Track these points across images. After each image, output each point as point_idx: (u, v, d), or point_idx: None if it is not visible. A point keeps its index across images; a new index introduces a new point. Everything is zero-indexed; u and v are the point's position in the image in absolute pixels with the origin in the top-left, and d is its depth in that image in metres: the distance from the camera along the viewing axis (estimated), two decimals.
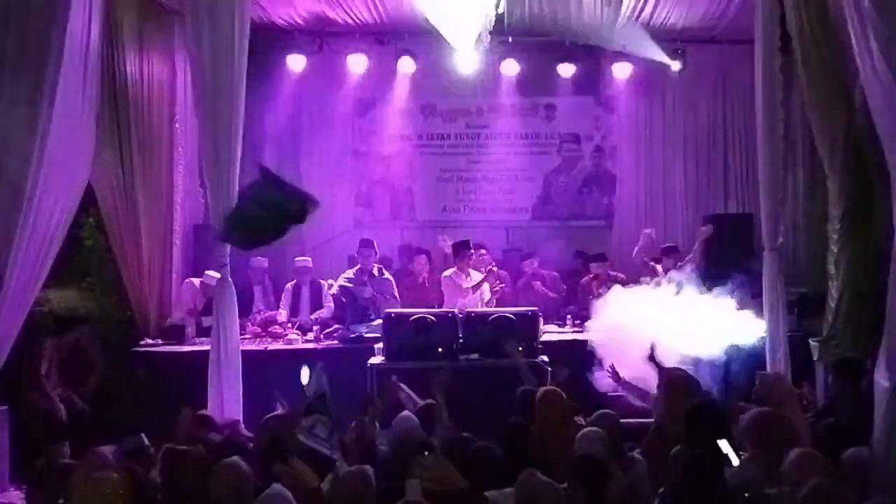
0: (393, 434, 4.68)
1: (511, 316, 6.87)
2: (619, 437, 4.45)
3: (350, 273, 8.11)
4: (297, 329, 7.93)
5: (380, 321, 7.15)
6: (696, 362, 5.97)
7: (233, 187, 6.11)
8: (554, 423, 4.67)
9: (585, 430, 4.39)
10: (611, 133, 10.30)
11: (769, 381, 5.49)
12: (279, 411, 5.11)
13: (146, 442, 4.71)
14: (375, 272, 8.03)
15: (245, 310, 7.67)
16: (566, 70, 9.72)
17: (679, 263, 7.84)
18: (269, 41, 9.15)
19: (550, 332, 7.72)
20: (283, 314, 8.18)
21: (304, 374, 5.41)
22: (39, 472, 4.80)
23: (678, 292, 6.58)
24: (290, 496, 3.71)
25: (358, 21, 9.20)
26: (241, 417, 5.98)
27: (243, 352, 6.45)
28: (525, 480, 3.74)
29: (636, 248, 8.48)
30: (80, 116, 5.51)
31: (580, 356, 6.70)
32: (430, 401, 5.18)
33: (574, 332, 7.85)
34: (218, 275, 6.37)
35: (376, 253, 8.21)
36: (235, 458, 3.99)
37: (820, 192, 7.33)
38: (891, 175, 4.87)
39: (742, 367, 6.29)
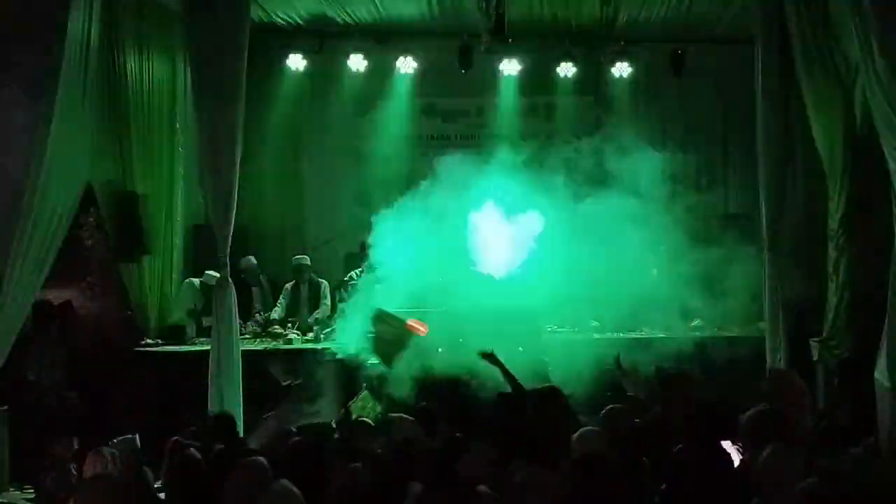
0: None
1: None
2: (624, 437, 4.41)
3: (354, 278, 8.12)
4: (296, 329, 7.93)
5: None
6: None
7: (233, 188, 6.11)
8: None
9: (584, 429, 4.35)
10: (611, 133, 10.27)
11: (779, 376, 5.43)
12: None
13: (138, 444, 4.73)
14: None
15: (245, 310, 7.67)
16: (566, 70, 9.71)
17: None
18: (269, 41, 9.16)
19: None
20: (277, 311, 8.18)
21: None
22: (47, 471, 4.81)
23: None
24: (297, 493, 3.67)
25: (358, 21, 9.20)
26: (241, 417, 5.98)
27: (243, 352, 6.45)
28: None
29: None
30: (80, 116, 5.52)
31: None
32: None
33: None
34: (218, 275, 6.37)
35: None
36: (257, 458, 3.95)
37: (820, 192, 7.32)
38: (891, 175, 4.88)
39: None
